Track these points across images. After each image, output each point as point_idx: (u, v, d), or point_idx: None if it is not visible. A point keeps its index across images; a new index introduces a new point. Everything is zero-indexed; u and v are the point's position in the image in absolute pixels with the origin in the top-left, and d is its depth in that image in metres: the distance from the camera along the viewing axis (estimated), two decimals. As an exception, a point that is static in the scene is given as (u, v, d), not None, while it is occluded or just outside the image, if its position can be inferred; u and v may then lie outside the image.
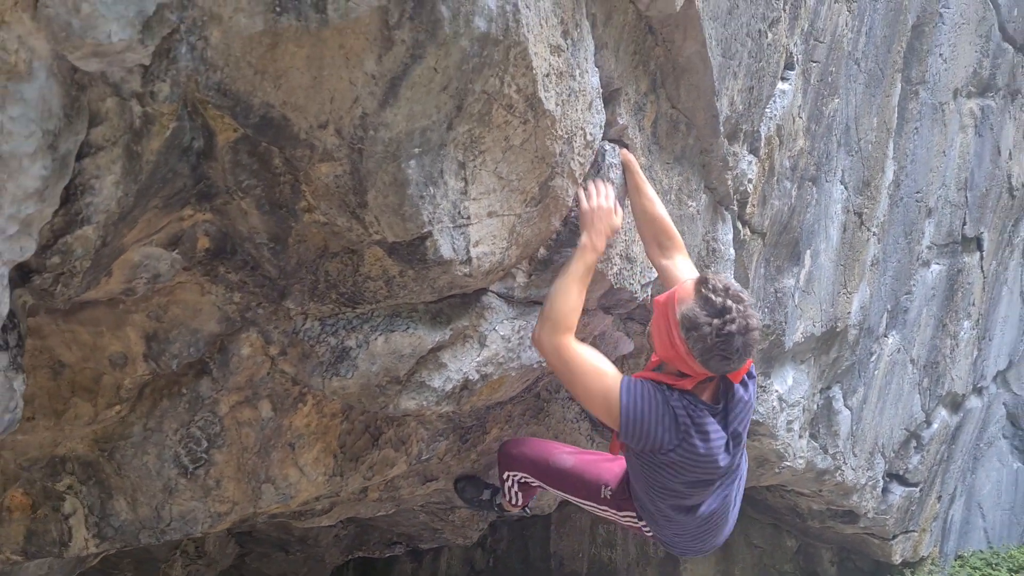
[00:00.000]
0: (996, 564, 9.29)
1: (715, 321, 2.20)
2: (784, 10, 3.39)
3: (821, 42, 4.06)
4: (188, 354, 2.18)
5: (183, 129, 1.71)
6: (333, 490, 2.70)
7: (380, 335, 2.22)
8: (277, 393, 2.39)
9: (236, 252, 2.04)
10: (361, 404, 2.31)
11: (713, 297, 2.22)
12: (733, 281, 2.36)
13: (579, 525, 7.84)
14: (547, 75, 2.04)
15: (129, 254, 1.89)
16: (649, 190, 2.65)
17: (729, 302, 2.21)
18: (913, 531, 8.38)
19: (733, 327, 2.20)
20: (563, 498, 3.01)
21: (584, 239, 2.39)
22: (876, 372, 6.42)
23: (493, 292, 2.46)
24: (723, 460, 2.42)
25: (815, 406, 5.67)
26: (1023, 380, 10.13)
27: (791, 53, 3.70)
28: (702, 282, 2.28)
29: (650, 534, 2.84)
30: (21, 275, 1.67)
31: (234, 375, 2.29)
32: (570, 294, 2.37)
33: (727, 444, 2.41)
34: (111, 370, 2.17)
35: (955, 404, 8.34)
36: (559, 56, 2.07)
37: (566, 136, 2.19)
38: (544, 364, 2.65)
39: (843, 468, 6.30)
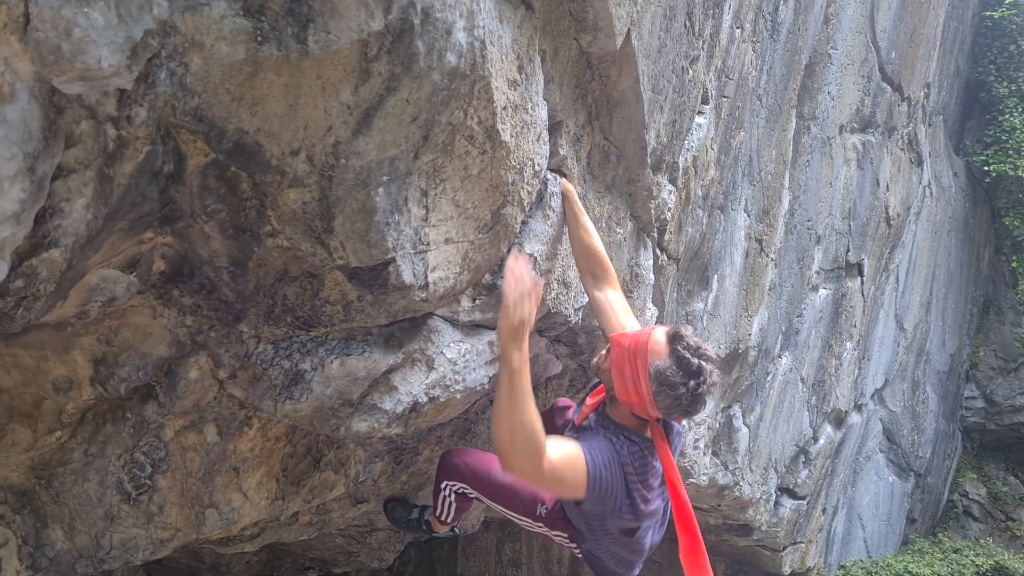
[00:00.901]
0: (875, 572, 9.84)
1: (691, 383, 2.29)
2: (702, 49, 3.59)
3: (731, 79, 4.30)
4: (136, 378, 2.14)
5: (156, 153, 1.70)
6: (275, 514, 2.67)
7: (336, 358, 2.23)
8: (223, 417, 2.37)
9: (193, 276, 2.03)
10: (312, 427, 2.32)
11: (689, 357, 2.30)
12: (698, 336, 2.48)
13: (485, 545, 7.89)
14: (504, 108, 2.12)
15: (87, 277, 1.86)
16: (586, 220, 2.76)
17: (702, 363, 2.30)
18: (801, 543, 8.79)
19: (705, 387, 2.30)
20: (497, 510, 3.05)
21: (513, 353, 2.14)
22: (771, 391, 6.74)
23: (439, 316, 2.51)
24: (660, 506, 2.55)
25: (718, 424, 5.91)
26: (897, 397, 10.79)
27: (707, 89, 3.90)
28: (676, 338, 2.34)
29: (580, 554, 2.92)
30: (-20, 299, 1.63)
31: (181, 399, 2.26)
32: (527, 411, 2.15)
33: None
34: (54, 395, 2.11)
35: (839, 420, 8.82)
36: (515, 90, 2.16)
37: (518, 167, 2.27)
38: (486, 386, 2.71)
39: (741, 483, 6.58)
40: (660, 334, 2.39)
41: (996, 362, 13.38)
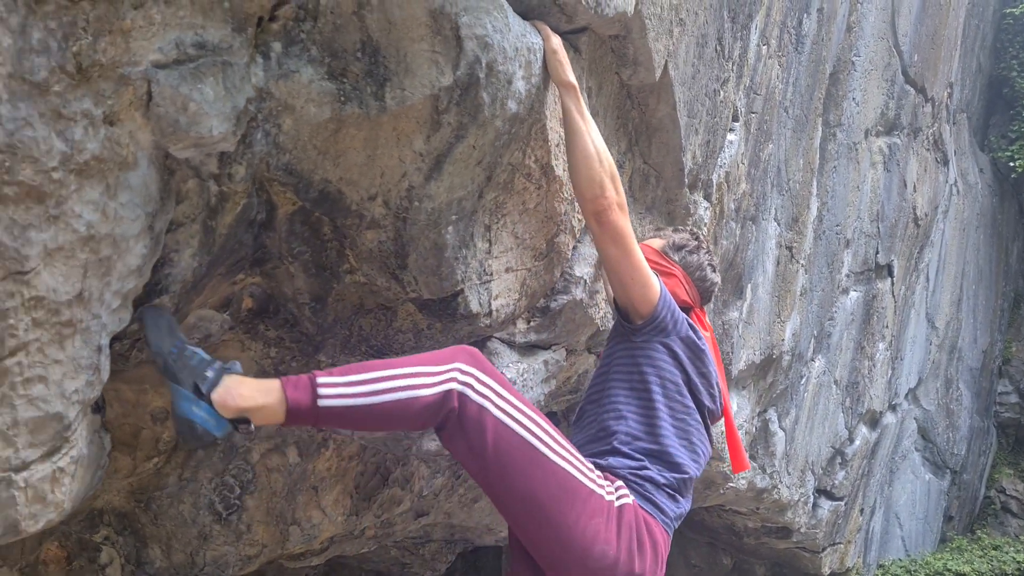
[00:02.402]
0: (914, 571, 9.86)
1: (692, 234, 2.73)
2: (732, 70, 3.73)
3: (759, 95, 4.44)
4: (226, 407, 2.32)
5: (251, 204, 1.88)
6: (349, 529, 2.85)
7: (407, 383, 2.40)
8: (303, 440, 2.54)
9: (278, 311, 2.20)
10: (386, 447, 2.49)
11: (676, 227, 2.81)
12: None
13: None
14: (557, 145, 2.28)
15: (187, 317, 2.04)
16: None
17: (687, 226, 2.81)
18: (839, 543, 8.84)
19: (702, 236, 2.75)
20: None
21: (569, 80, 2.16)
22: (806, 394, 6.84)
23: (497, 338, 2.67)
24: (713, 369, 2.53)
25: (755, 429, 6.03)
26: (931, 395, 10.80)
27: (736, 107, 4.05)
28: (659, 229, 2.84)
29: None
30: (101, 341, 1.81)
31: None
32: (597, 132, 2.26)
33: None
34: (151, 425, 2.29)
35: (873, 421, 8.87)
36: (566, 128, 2.32)
37: (569, 198, 2.43)
38: (542, 403, 2.86)
39: (779, 486, 6.67)
40: (648, 239, 2.79)
41: (1029, 357, 13.32)
